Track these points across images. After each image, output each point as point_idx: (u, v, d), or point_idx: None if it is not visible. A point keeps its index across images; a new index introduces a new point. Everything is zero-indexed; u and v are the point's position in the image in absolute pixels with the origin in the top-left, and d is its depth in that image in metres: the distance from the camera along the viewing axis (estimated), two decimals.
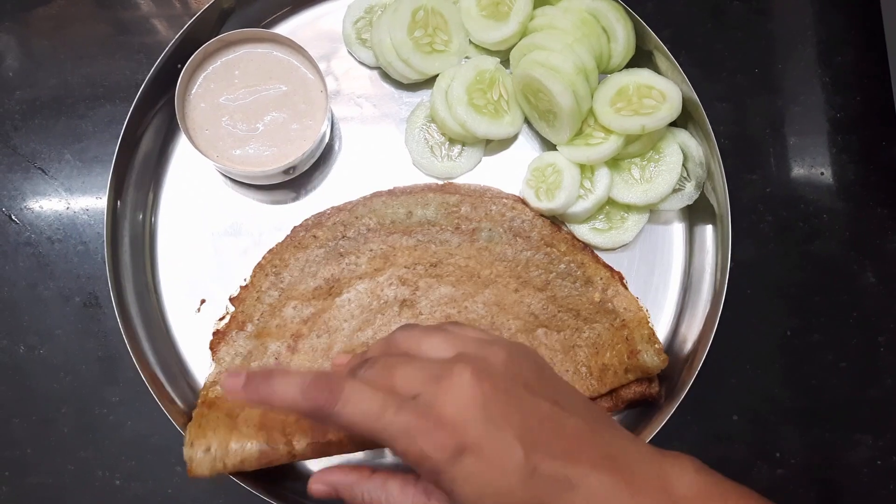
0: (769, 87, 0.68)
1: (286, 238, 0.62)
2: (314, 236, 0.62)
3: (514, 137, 0.65)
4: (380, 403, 0.38)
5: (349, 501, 0.44)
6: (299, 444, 0.54)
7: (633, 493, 0.38)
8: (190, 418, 0.56)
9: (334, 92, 0.65)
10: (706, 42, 0.69)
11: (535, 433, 0.38)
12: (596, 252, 0.63)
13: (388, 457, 0.60)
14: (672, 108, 0.59)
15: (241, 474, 0.54)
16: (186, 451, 0.52)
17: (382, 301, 0.60)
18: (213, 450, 0.53)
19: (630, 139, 0.61)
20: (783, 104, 0.68)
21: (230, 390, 0.41)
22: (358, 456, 0.59)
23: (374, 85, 0.66)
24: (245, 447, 0.53)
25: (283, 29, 0.66)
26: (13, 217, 0.64)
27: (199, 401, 0.57)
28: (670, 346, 0.62)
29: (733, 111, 0.68)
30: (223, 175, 0.63)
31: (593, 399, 0.60)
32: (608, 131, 0.60)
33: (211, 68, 0.60)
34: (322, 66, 0.60)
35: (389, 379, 0.40)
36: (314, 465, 0.60)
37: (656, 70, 0.62)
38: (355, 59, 0.65)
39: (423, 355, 0.43)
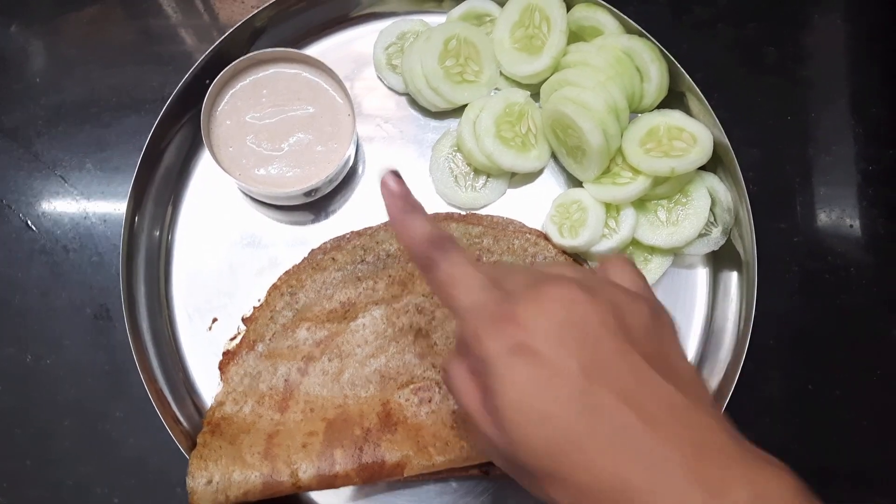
0: (801, 135, 0.68)
1: (303, 260, 0.61)
2: (333, 259, 0.61)
3: (540, 172, 0.64)
4: (473, 280, 0.39)
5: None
6: (305, 474, 0.53)
7: (707, 486, 0.32)
8: (194, 440, 0.55)
9: (360, 115, 0.64)
10: (739, 86, 0.68)
11: (607, 371, 0.35)
12: None
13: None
14: (703, 152, 0.58)
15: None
16: (189, 483, 0.52)
17: (397, 328, 0.59)
18: (215, 481, 0.52)
19: (658, 181, 0.60)
20: (814, 153, 0.67)
21: (390, 185, 0.44)
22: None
23: (401, 111, 0.65)
24: (249, 479, 0.52)
25: (314, 50, 0.65)
26: (30, 224, 0.63)
27: (205, 421, 0.56)
28: None
29: (763, 158, 0.67)
30: (243, 193, 0.62)
31: None
32: (636, 171, 0.59)
33: (239, 86, 0.60)
34: (350, 88, 0.60)
35: (500, 274, 0.40)
36: (318, 496, 0.58)
37: (688, 112, 0.62)
38: (384, 84, 0.65)
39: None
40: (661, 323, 0.39)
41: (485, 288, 0.39)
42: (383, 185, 0.44)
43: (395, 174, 0.45)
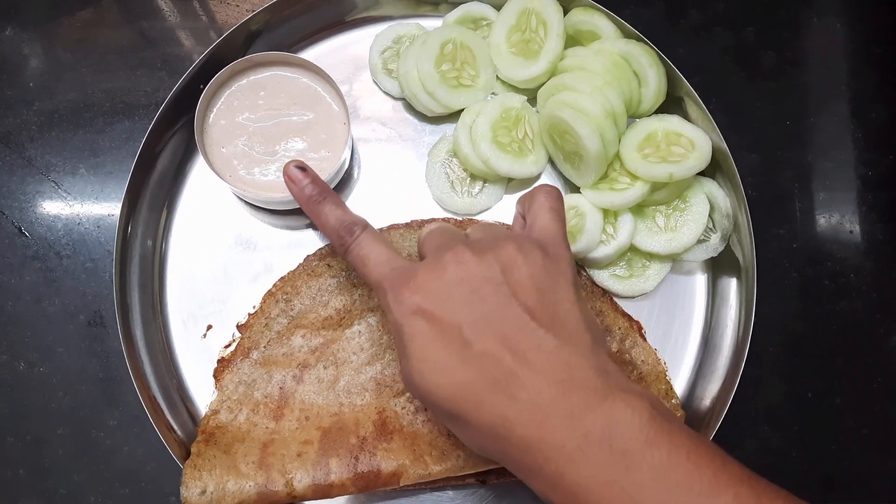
0: (800, 140, 0.67)
1: (299, 266, 0.61)
2: (328, 265, 0.60)
3: (537, 177, 0.63)
4: (379, 258, 0.46)
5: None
6: (300, 484, 0.52)
7: (570, 417, 0.38)
8: (188, 449, 0.55)
9: (356, 119, 0.64)
10: (737, 91, 0.68)
11: (488, 323, 0.40)
12: (615, 300, 0.61)
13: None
14: (701, 158, 0.57)
15: None
16: (182, 492, 0.51)
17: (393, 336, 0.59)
18: (209, 491, 0.51)
19: (656, 186, 0.59)
20: (813, 158, 0.67)
21: (296, 178, 0.50)
22: None
23: (397, 116, 0.64)
24: (243, 488, 0.51)
25: (309, 54, 0.65)
26: (23, 230, 0.63)
27: (199, 429, 0.56)
28: (687, 402, 0.60)
29: (762, 163, 0.66)
30: (238, 198, 0.62)
31: None
32: (634, 177, 0.59)
33: (237, 85, 0.59)
34: (345, 92, 0.59)
35: (422, 240, 0.48)
36: None
37: (686, 117, 0.61)
38: (380, 88, 0.64)
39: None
40: (556, 270, 0.44)
41: (389, 261, 0.45)
42: (287, 178, 0.50)
43: (299, 165, 0.50)
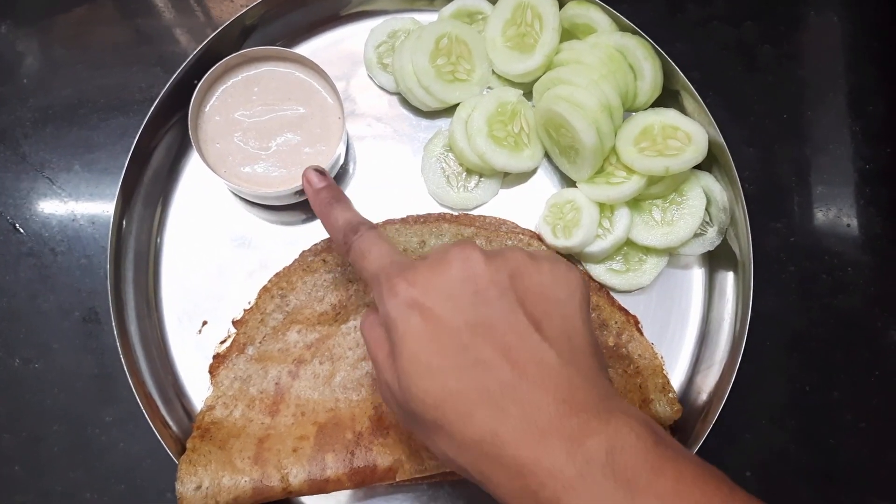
0: (797, 133, 0.67)
1: (294, 262, 0.61)
2: (323, 260, 0.60)
3: (533, 171, 0.63)
4: (380, 251, 0.43)
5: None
6: (296, 479, 0.52)
7: (570, 440, 0.35)
8: (183, 445, 0.55)
9: (351, 114, 0.64)
10: (735, 85, 0.67)
11: (491, 329, 0.38)
12: (612, 294, 0.61)
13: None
14: (698, 151, 0.57)
15: None
16: (178, 488, 0.51)
17: None
18: (204, 487, 0.51)
19: (652, 180, 0.59)
20: (811, 152, 0.67)
21: (312, 181, 0.50)
22: None
23: (392, 110, 0.64)
24: (238, 483, 0.51)
25: (304, 49, 0.65)
26: (18, 226, 0.62)
27: (195, 425, 0.56)
28: (684, 396, 0.60)
29: (759, 157, 0.66)
30: (233, 193, 0.62)
31: None
32: (630, 171, 0.59)
33: (231, 82, 0.59)
34: (341, 87, 0.59)
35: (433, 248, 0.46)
36: (310, 501, 0.57)
37: (683, 111, 0.61)
38: (375, 83, 0.64)
39: None
40: (568, 290, 0.41)
41: (390, 255, 0.42)
42: (306, 182, 0.50)
43: (318, 170, 0.50)
